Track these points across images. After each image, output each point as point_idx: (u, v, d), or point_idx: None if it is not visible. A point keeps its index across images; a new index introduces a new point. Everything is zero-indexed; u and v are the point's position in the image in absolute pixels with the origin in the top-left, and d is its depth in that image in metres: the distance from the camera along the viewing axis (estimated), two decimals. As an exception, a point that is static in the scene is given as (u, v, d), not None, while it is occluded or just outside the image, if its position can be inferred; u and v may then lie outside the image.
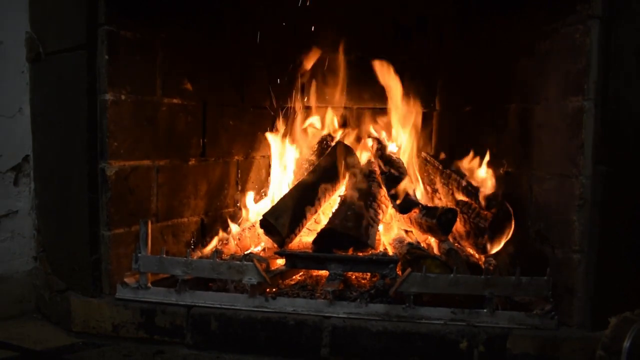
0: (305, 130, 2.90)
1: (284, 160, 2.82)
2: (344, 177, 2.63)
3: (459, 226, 2.44)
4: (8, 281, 2.31)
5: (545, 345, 1.82)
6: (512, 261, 2.20)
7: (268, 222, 2.28)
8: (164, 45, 2.26)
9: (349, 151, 2.69)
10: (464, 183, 2.47)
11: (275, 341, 1.93)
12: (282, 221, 2.28)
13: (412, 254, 2.15)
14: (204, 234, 2.53)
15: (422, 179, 2.74)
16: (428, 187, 2.73)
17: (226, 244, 2.43)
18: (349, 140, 2.87)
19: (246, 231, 2.51)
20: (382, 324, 1.90)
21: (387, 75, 2.72)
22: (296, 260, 2.16)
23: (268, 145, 2.89)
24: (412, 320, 1.90)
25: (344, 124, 2.95)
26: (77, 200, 2.12)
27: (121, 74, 2.09)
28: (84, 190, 2.09)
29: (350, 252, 2.17)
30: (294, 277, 2.26)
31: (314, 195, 2.46)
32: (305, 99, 2.93)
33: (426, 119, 2.89)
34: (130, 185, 2.15)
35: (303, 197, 2.42)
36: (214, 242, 2.47)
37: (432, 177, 2.75)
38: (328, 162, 2.62)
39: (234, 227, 2.58)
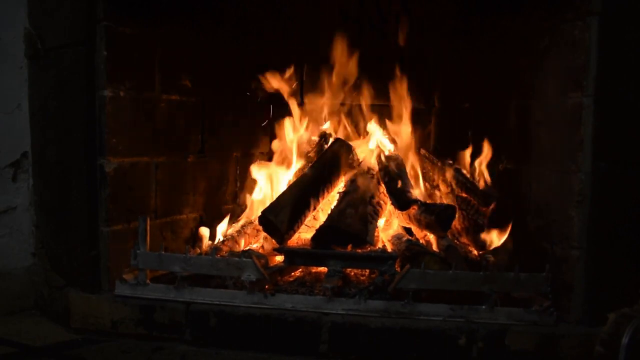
0: (304, 127, 2.89)
1: (282, 157, 2.82)
2: (343, 173, 2.62)
3: (458, 223, 2.44)
4: (6, 277, 2.31)
5: (543, 341, 1.83)
6: (511, 257, 2.20)
7: (267, 219, 2.28)
8: (163, 42, 2.26)
9: (347, 148, 2.69)
10: (462, 180, 2.47)
11: (274, 337, 1.93)
12: (281, 218, 2.27)
13: (411, 251, 2.15)
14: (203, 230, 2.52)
15: (421, 175, 2.74)
16: (427, 184, 2.73)
17: (225, 240, 2.42)
18: (348, 137, 2.86)
19: (245, 227, 2.50)
20: (381, 321, 1.90)
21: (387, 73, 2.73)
22: (295, 256, 2.16)
23: (267, 142, 2.89)
24: (411, 317, 1.90)
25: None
26: (75, 197, 2.12)
27: (120, 70, 2.09)
28: (82, 187, 2.09)
29: (349, 248, 2.17)
30: (292, 273, 2.26)
31: (313, 192, 2.45)
32: (305, 95, 2.92)
33: (425, 115, 2.89)
34: (129, 181, 2.15)
35: (302, 193, 2.41)
36: (213, 239, 2.47)
37: (430, 173, 2.75)
38: (327, 159, 2.61)
39: (233, 224, 2.58)
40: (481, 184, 2.39)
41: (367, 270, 2.22)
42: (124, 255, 2.09)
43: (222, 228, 2.52)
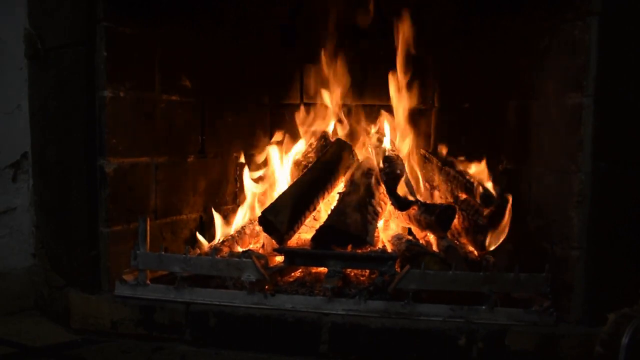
0: (304, 127, 2.89)
1: (282, 157, 2.82)
2: (343, 174, 2.62)
3: (458, 223, 2.43)
4: (6, 278, 2.31)
5: (544, 342, 1.83)
6: (511, 258, 2.20)
7: (267, 219, 2.28)
8: (163, 42, 2.26)
9: (348, 148, 2.69)
10: (462, 180, 2.47)
11: (274, 338, 1.93)
12: (281, 218, 2.27)
13: (411, 251, 2.15)
14: (203, 231, 2.52)
15: (421, 176, 2.74)
16: (427, 184, 2.73)
17: (225, 240, 2.42)
18: (348, 137, 2.86)
19: (245, 228, 2.51)
20: (381, 321, 1.90)
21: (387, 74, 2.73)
22: (295, 257, 2.16)
23: (267, 142, 2.88)
24: (410, 317, 1.90)
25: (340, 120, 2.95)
26: (75, 197, 2.12)
27: (120, 71, 2.09)
28: (82, 187, 2.09)
29: (349, 249, 2.17)
30: (292, 274, 2.25)
31: (313, 192, 2.45)
32: (305, 96, 2.93)
33: (425, 116, 2.89)
34: (129, 182, 2.15)
35: (302, 194, 2.41)
36: (213, 239, 2.47)
37: (431, 174, 2.75)
38: (327, 159, 2.61)
39: (232, 224, 2.58)
40: (481, 184, 2.38)
41: (367, 271, 2.22)
42: (124, 255, 2.09)
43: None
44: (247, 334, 1.94)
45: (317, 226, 2.34)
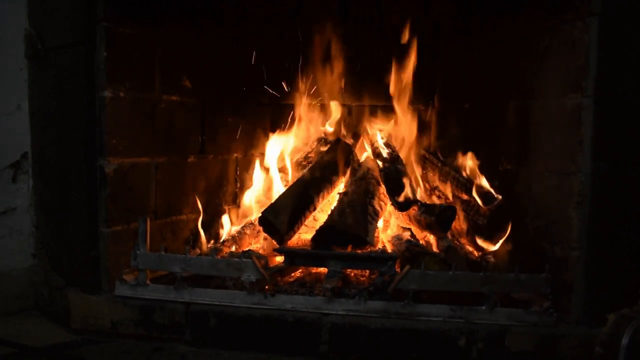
0: (304, 127, 2.89)
1: (283, 157, 2.81)
2: (343, 174, 2.62)
3: (458, 223, 2.43)
4: (6, 278, 2.31)
5: (543, 342, 1.83)
6: (511, 258, 2.20)
7: (267, 220, 2.28)
8: (163, 42, 2.26)
9: (348, 148, 2.69)
10: (462, 180, 2.47)
11: (274, 338, 1.93)
12: (281, 218, 2.27)
13: (411, 251, 2.15)
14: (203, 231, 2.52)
15: (421, 176, 2.74)
16: (427, 185, 2.73)
17: (225, 241, 2.42)
18: (348, 138, 2.86)
19: (245, 228, 2.50)
20: (381, 321, 1.90)
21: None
22: (295, 257, 2.16)
23: (267, 142, 2.88)
24: (410, 318, 1.90)
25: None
26: (75, 197, 2.12)
27: (120, 71, 2.09)
28: (82, 187, 2.09)
29: (349, 249, 2.17)
30: (293, 274, 2.25)
31: (313, 192, 2.45)
32: (305, 96, 2.92)
33: (425, 116, 2.89)
34: (129, 182, 2.15)
35: (302, 194, 2.41)
36: (213, 240, 2.47)
37: (431, 174, 2.75)
38: (327, 159, 2.61)
39: (233, 225, 2.58)
40: (481, 185, 2.38)
41: (367, 271, 2.22)
42: (124, 255, 2.09)
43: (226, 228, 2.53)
44: (247, 334, 1.94)
45: (317, 226, 2.34)
